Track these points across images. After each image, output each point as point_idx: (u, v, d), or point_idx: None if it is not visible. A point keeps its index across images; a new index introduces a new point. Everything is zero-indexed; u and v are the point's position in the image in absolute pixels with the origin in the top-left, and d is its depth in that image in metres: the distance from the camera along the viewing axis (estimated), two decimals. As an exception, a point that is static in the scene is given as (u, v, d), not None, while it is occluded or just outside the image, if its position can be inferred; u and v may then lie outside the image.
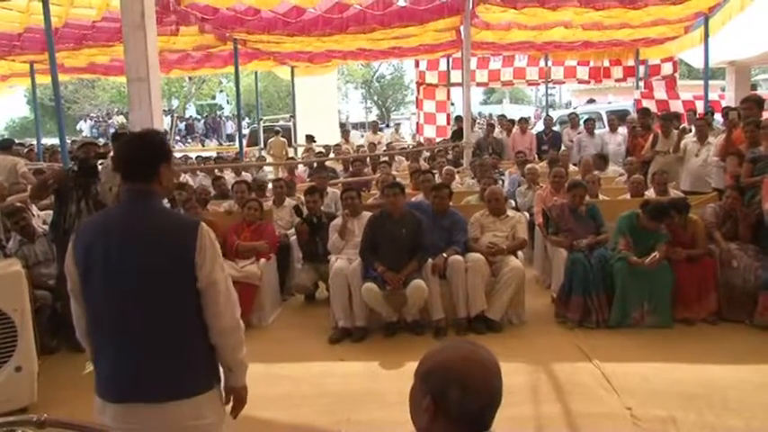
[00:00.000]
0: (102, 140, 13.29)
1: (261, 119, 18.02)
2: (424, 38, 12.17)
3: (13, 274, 4.10)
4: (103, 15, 8.94)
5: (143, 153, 2.38)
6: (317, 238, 6.65)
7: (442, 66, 15.66)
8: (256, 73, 17.51)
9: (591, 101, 20.41)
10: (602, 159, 9.06)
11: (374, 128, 16.09)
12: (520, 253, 6.11)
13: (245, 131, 19.70)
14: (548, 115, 13.08)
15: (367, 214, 6.16)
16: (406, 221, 5.76)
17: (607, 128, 10.91)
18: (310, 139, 15.37)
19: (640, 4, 8.94)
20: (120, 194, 2.50)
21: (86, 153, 5.21)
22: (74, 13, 8.87)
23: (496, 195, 6.17)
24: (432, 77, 15.99)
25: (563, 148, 10.99)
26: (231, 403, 2.52)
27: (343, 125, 19.22)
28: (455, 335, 5.52)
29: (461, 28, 10.86)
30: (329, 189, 8.29)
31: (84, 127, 29.49)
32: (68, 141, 9.56)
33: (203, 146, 25.51)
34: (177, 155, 15.82)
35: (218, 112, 34.44)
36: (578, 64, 15.63)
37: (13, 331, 4.04)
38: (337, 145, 14.11)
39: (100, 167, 5.21)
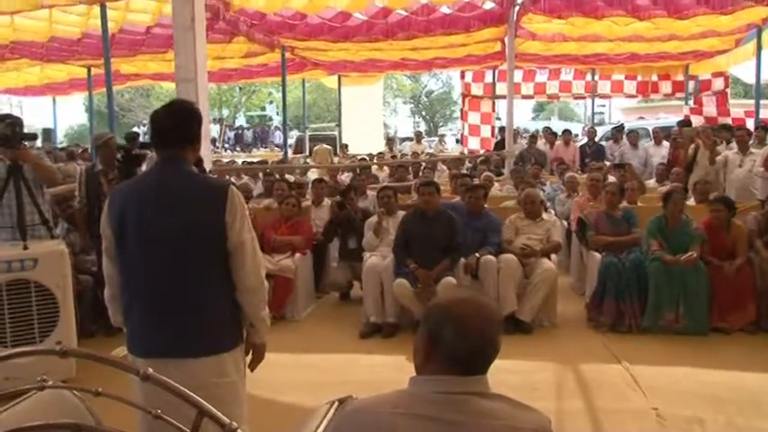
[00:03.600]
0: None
1: (306, 127, 18.31)
2: (469, 48, 12.24)
3: (57, 252, 4.30)
4: (157, 21, 9.28)
5: (177, 119, 2.50)
6: (353, 235, 6.74)
7: (488, 78, 15.65)
8: (303, 83, 17.83)
9: (641, 119, 20.16)
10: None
11: (418, 138, 16.21)
12: (554, 257, 6.08)
13: (292, 140, 20.10)
14: (591, 127, 12.97)
15: (402, 213, 6.23)
16: (440, 220, 5.80)
17: (653, 141, 10.79)
18: (344, 147, 15.65)
19: (688, 13, 8.82)
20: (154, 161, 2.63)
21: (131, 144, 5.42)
22: (129, 18, 9.23)
23: (532, 198, 6.17)
24: (477, 89, 16.00)
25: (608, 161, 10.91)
26: (250, 357, 2.63)
27: (389, 137, 19.41)
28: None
29: (506, 38, 10.88)
30: (369, 192, 8.40)
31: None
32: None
33: (251, 153, 25.98)
34: (225, 159, 16.21)
35: (268, 123, 35.08)
36: (626, 78, 15.41)
37: (55, 307, 4.23)
38: (381, 153, 14.25)
39: (147, 158, 5.44)
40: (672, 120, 14.61)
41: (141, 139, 5.10)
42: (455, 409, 1.48)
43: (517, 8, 10.05)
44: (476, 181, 8.21)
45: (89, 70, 12.43)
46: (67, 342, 4.30)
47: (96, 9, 8.15)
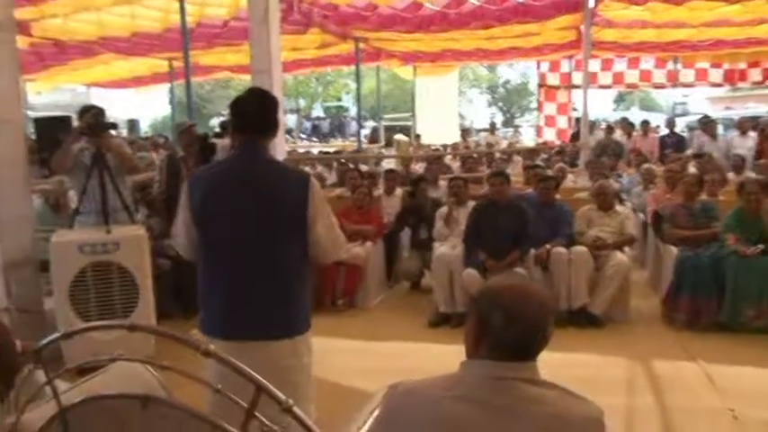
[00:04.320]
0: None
1: (381, 118, 18.41)
2: (544, 37, 12.00)
3: (137, 236, 4.50)
4: (234, 15, 9.51)
5: (260, 107, 2.57)
6: (423, 225, 6.75)
7: (564, 67, 15.30)
8: (378, 73, 17.91)
9: (728, 109, 19.27)
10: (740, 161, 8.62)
11: (492, 129, 16.05)
12: (628, 250, 5.92)
13: (367, 131, 20.25)
14: (671, 117, 12.49)
15: (473, 204, 6.19)
16: (510, 211, 5.74)
17: (737, 132, 10.30)
18: (417, 138, 15.64)
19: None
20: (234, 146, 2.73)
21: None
22: (207, 12, 9.50)
23: (604, 190, 6.02)
24: (553, 79, 15.67)
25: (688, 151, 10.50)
26: None
27: (464, 128, 19.29)
28: (557, 327, 5.40)
29: (582, 27, 10.59)
30: (441, 182, 8.38)
31: (216, 123, 31.27)
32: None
33: (327, 143, 26.34)
34: (301, 150, 16.53)
35: (344, 113, 35.40)
36: (711, 66, 14.64)
37: (136, 288, 4.43)
38: (455, 144, 14.18)
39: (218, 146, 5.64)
40: (762, 109, 13.91)
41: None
42: (502, 393, 1.49)
43: (595, -6, 9.79)
44: (549, 172, 8.09)
45: (170, 63, 12.90)
46: (147, 321, 4.51)
47: (175, 5, 8.43)
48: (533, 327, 1.54)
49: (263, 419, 1.69)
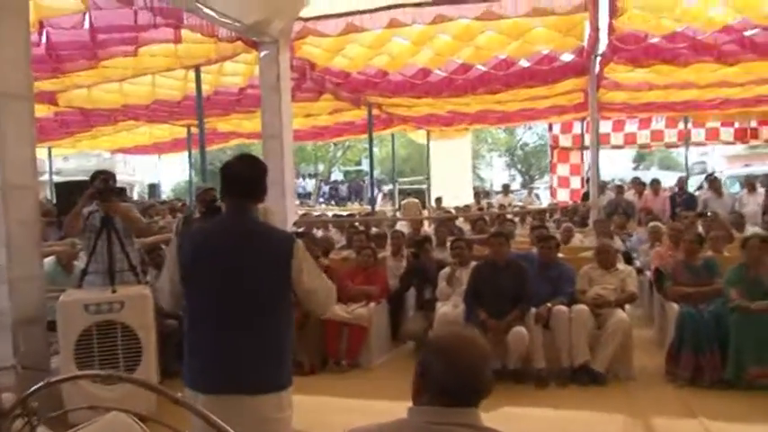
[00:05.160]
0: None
1: (396, 181, 18.69)
2: (553, 100, 12.25)
3: (141, 296, 4.64)
4: (248, 83, 9.91)
5: (254, 174, 2.73)
6: (428, 285, 6.83)
7: (576, 129, 15.54)
8: (393, 138, 18.29)
9: (746, 166, 19.25)
10: (740, 218, 8.65)
11: (505, 190, 16.21)
12: (629, 308, 5.95)
13: (380, 195, 20.53)
14: (681, 176, 12.56)
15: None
16: (510, 270, 5.81)
17: (745, 189, 10.35)
18: (438, 201, 15.78)
19: (777, 56, 8.50)
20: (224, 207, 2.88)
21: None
22: (223, 81, 9.92)
23: (605, 248, 6.10)
24: (565, 141, 15.90)
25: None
26: None
27: (477, 190, 19.51)
28: (557, 385, 5.44)
29: (588, 88, 10.83)
30: (449, 244, 8.47)
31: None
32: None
33: (345, 207, 26.65)
34: (316, 212, 16.77)
35: (363, 177, 35.89)
36: (721, 125, 14.83)
37: (139, 346, 4.54)
38: (467, 206, 14.32)
39: None
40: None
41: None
42: None
43: (598, 59, 10.03)
44: (553, 232, 8.17)
45: (189, 129, 13.36)
46: (150, 378, 4.59)
47: (193, 74, 8.83)
48: (471, 374, 1.62)
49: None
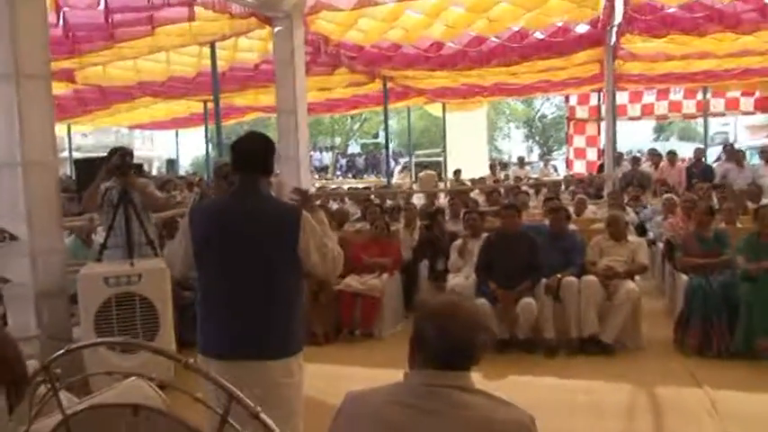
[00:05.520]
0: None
1: (412, 154, 18.72)
2: (569, 71, 12.17)
3: (159, 269, 4.77)
4: (263, 58, 9.96)
5: (258, 149, 2.83)
6: (440, 257, 6.92)
7: (593, 100, 15.41)
8: (408, 111, 18.28)
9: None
10: (757, 190, 8.60)
11: (520, 162, 16.21)
12: (638, 279, 6.00)
13: (399, 167, 20.58)
14: (698, 148, 12.46)
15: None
16: (520, 242, 5.88)
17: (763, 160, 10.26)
18: (457, 173, 15.81)
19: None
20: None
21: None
22: (238, 57, 9.97)
23: (616, 220, 6.12)
24: (582, 112, 15.79)
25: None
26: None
27: (493, 162, 19.50)
28: (567, 355, 5.53)
29: (604, 60, 10.75)
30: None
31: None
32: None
33: (362, 179, 26.77)
34: (332, 186, 16.89)
35: (381, 150, 35.88)
36: (742, 95, 14.61)
37: (156, 318, 4.68)
38: (482, 178, 14.35)
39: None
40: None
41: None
42: (434, 399, 1.66)
43: (615, 29, 9.94)
44: (565, 203, 8.22)
45: (205, 105, 13.46)
46: (168, 348, 4.75)
47: (208, 50, 8.90)
48: (462, 339, 1.71)
49: (236, 426, 1.89)
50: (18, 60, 4.58)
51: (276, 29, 8.21)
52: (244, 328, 2.70)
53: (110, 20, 7.13)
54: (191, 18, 7.53)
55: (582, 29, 9.61)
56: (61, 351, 2.30)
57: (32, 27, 4.71)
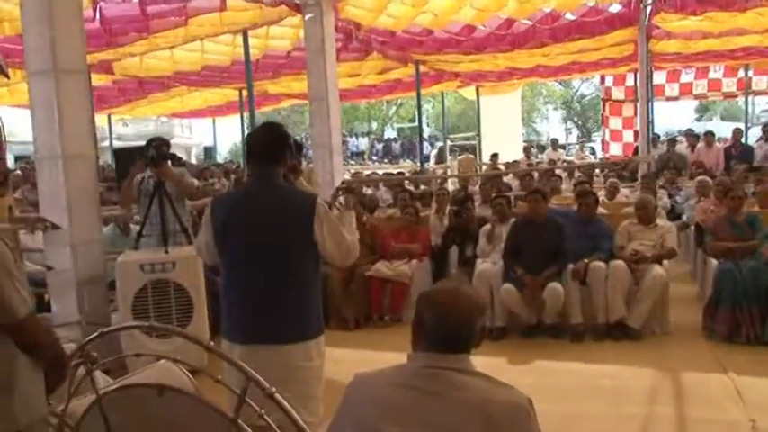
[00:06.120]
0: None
1: (447, 137, 18.70)
2: (603, 52, 12.01)
3: (192, 256, 4.91)
4: (296, 45, 10.08)
5: (271, 140, 2.94)
6: (470, 243, 6.97)
7: (629, 81, 15.15)
8: (443, 95, 18.24)
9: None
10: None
11: (554, 145, 16.07)
12: (667, 263, 5.96)
13: (434, 151, 20.58)
14: (737, 128, 12.18)
15: (514, 221, 6.38)
16: (547, 227, 5.90)
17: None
18: (494, 157, 15.75)
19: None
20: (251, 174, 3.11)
21: None
22: (271, 44, 10.11)
23: (644, 204, 6.09)
24: (618, 93, 15.55)
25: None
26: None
27: (529, 145, 19.36)
28: (593, 340, 5.56)
29: (638, 39, 10.59)
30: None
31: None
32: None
33: (398, 164, 26.81)
34: (366, 172, 17.01)
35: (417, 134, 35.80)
36: (785, 71, 14.23)
37: (190, 304, 4.87)
38: (515, 161, 14.28)
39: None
40: None
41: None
42: (433, 380, 1.76)
43: (648, 8, 9.79)
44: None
45: (240, 93, 13.67)
46: (201, 334, 4.92)
47: (240, 38, 9.05)
48: (460, 324, 1.81)
49: (254, 405, 2.02)
50: (56, 56, 4.77)
51: (306, 16, 8.31)
52: (262, 313, 2.83)
53: (144, 12, 7.33)
54: (222, 8, 7.68)
55: (614, 8, 9.48)
56: (94, 334, 2.47)
57: (69, 23, 4.89)
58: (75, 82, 4.94)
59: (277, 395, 1.97)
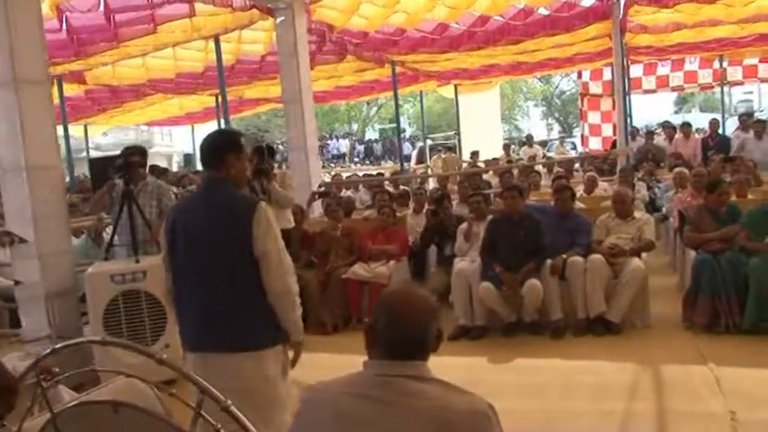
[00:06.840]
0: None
1: (426, 137, 18.67)
2: (578, 47, 12.02)
3: (161, 265, 4.85)
4: (269, 50, 10.00)
5: (212, 145, 2.89)
6: (448, 242, 6.92)
7: (606, 75, 15.18)
8: (421, 95, 18.22)
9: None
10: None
11: (529, 141, 16.10)
12: (653, 255, 5.94)
13: (414, 151, 20.55)
14: (714, 119, 12.21)
15: (491, 218, 6.33)
16: (524, 223, 5.85)
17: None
18: (475, 155, 15.74)
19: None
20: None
21: None
22: (244, 49, 10.02)
23: (621, 197, 6.06)
24: (596, 88, 15.59)
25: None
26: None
27: (508, 143, 19.37)
28: (573, 335, 5.52)
29: (612, 33, 10.60)
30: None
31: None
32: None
33: (380, 166, 26.75)
34: (346, 174, 16.95)
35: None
36: (760, 61, 14.26)
37: (163, 314, 4.77)
38: (495, 159, 14.27)
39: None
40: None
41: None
42: (386, 388, 1.68)
43: (622, 1, 9.81)
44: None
45: (217, 99, 13.54)
46: (174, 343, 4.83)
47: (213, 44, 8.96)
48: (411, 329, 1.73)
49: (209, 418, 1.95)
50: (16, 67, 4.68)
51: (278, 19, 8.25)
52: (210, 321, 2.76)
53: (111, 20, 7.22)
54: (191, 14, 7.59)
55: (588, 2, 9.48)
56: (47, 350, 2.39)
57: (28, 33, 4.79)
58: (37, 92, 4.84)
59: (232, 408, 1.90)
